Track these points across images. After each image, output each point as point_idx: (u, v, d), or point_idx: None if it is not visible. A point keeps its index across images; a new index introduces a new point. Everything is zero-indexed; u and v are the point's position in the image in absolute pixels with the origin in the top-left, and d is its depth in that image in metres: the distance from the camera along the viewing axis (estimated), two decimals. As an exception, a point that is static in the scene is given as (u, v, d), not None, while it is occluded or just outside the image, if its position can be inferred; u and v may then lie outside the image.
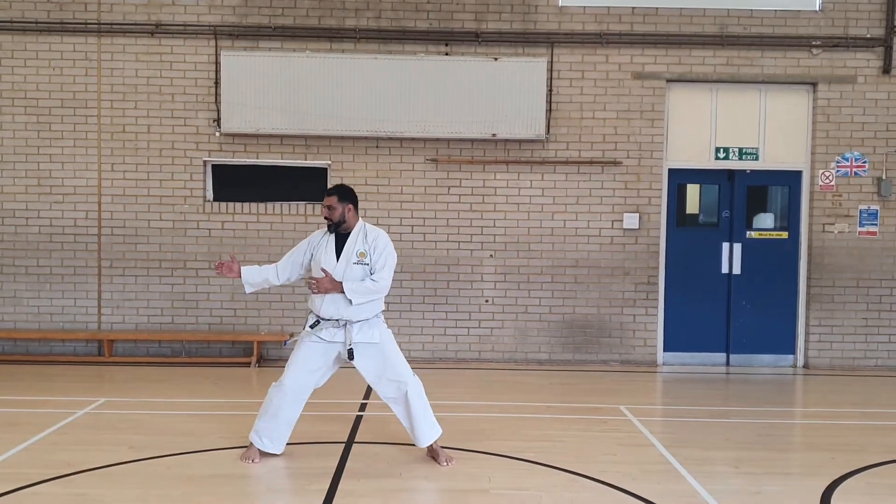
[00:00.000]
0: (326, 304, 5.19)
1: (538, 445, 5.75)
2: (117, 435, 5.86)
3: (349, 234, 5.34)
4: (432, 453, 5.40)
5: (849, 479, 5.12)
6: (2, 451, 5.40)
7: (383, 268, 5.25)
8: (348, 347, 5.20)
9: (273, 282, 5.43)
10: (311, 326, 5.26)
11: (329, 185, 8.82)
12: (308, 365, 5.29)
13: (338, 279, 5.15)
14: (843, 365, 9.06)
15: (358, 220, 5.40)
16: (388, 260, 5.28)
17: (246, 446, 5.40)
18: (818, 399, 7.92)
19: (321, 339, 5.26)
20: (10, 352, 8.86)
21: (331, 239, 5.36)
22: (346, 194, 5.34)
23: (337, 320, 5.21)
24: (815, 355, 9.07)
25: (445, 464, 5.29)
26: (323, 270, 5.16)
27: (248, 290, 5.48)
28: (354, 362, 5.25)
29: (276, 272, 5.42)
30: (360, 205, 8.91)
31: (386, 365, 5.30)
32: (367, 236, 5.32)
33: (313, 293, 5.20)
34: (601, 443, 5.85)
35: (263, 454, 5.31)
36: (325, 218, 5.34)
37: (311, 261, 5.38)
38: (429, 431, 5.33)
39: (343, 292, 5.12)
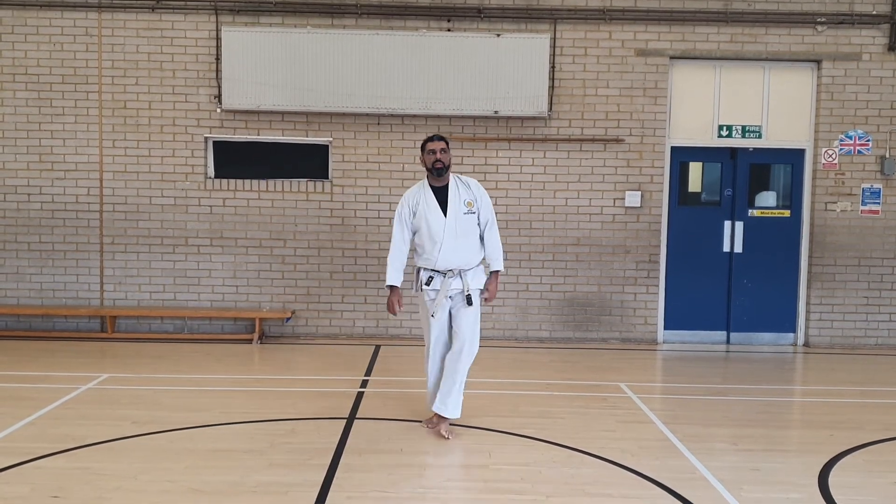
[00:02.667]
0: (443, 258, 5.31)
1: (538, 422, 5.78)
2: (120, 410, 5.90)
3: (446, 186, 5.40)
4: (434, 424, 5.47)
5: (847, 457, 5.15)
6: (6, 425, 5.44)
7: (492, 218, 5.44)
8: (467, 293, 5.34)
9: (406, 261, 5.54)
10: (427, 283, 5.40)
11: (331, 162, 8.85)
12: (442, 324, 5.45)
13: (449, 233, 5.28)
14: (844, 343, 9.08)
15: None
16: (491, 208, 5.47)
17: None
18: (818, 377, 7.94)
19: (436, 290, 5.38)
20: (13, 328, 8.90)
21: (428, 193, 5.41)
22: (447, 140, 5.46)
23: (452, 270, 5.33)
24: (816, 334, 9.09)
25: (447, 436, 5.34)
26: (469, 297, 5.33)
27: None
28: (454, 309, 5.40)
29: (402, 253, 5.49)
30: (361, 182, 8.99)
31: (470, 318, 5.41)
32: (470, 186, 5.44)
33: (488, 301, 5.46)
34: (601, 419, 5.89)
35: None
36: (437, 161, 5.32)
37: (413, 220, 5.42)
38: (455, 406, 5.39)
39: (489, 294, 5.43)
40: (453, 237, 5.29)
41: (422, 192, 5.43)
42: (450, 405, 5.38)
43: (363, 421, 5.75)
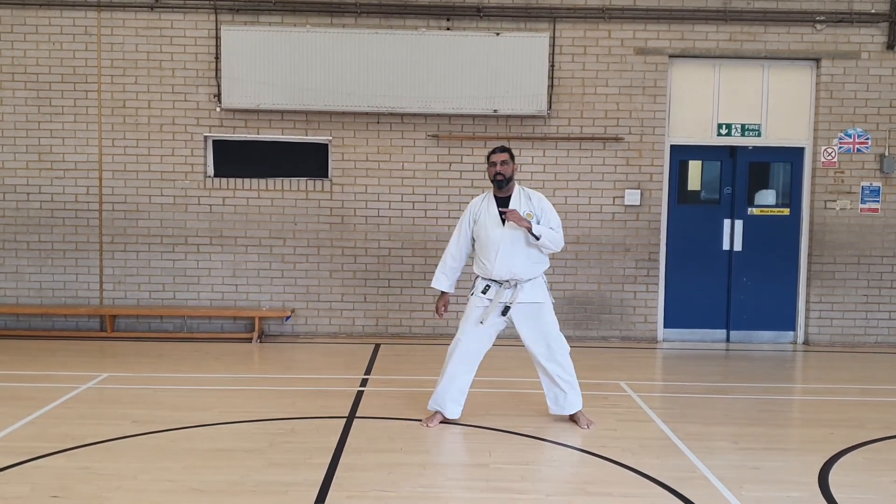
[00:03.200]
0: (499, 266, 5.38)
1: (538, 420, 5.78)
2: (120, 409, 5.90)
3: (508, 197, 5.49)
4: (573, 417, 5.65)
5: (847, 455, 5.15)
6: (6, 424, 5.44)
7: (556, 223, 5.50)
8: (508, 303, 5.41)
9: (459, 267, 5.66)
10: (483, 291, 5.47)
11: (330, 161, 8.85)
12: (482, 329, 5.51)
13: (505, 243, 5.37)
14: (844, 341, 9.08)
15: (515, 183, 5.57)
16: (555, 218, 5.52)
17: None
18: (818, 375, 7.95)
19: (491, 299, 5.46)
20: (12, 327, 8.90)
21: (492, 203, 5.51)
22: (511, 152, 5.56)
23: (508, 280, 5.40)
24: (816, 332, 9.09)
25: (586, 427, 5.55)
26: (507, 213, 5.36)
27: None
28: (515, 322, 5.47)
29: (455, 259, 5.62)
30: (361, 181, 8.98)
31: (541, 325, 5.52)
32: (532, 199, 5.52)
33: (508, 219, 5.35)
34: (601, 418, 5.88)
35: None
36: (497, 174, 5.45)
37: (474, 227, 5.54)
38: (577, 400, 5.63)
39: (529, 228, 5.32)
40: (510, 247, 5.37)
41: (485, 202, 5.56)
42: (568, 405, 5.62)
43: (363, 420, 5.75)
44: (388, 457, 4.95)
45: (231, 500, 4.20)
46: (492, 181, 5.53)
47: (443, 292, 5.68)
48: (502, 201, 5.49)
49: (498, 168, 5.45)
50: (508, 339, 8.95)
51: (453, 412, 5.58)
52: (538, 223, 5.42)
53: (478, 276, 5.58)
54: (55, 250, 8.90)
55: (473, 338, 5.54)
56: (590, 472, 4.74)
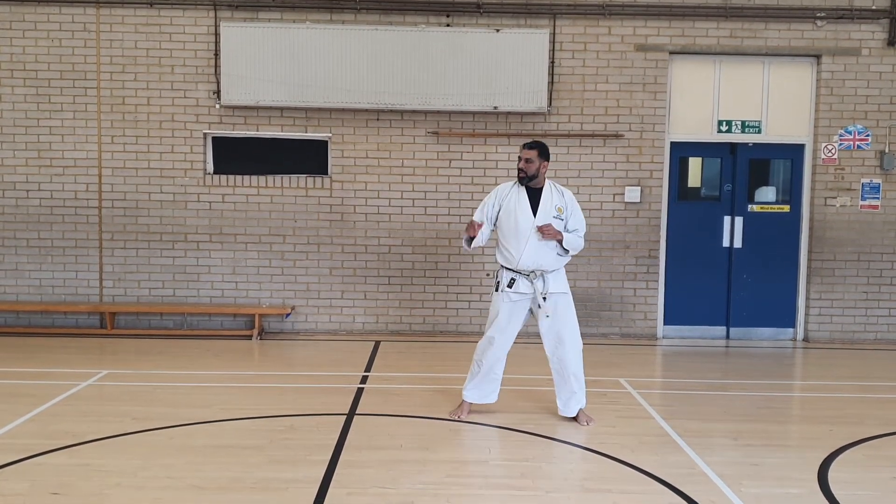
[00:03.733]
0: (526, 257, 5.38)
1: (538, 417, 5.78)
2: (120, 406, 5.90)
3: (540, 189, 5.47)
4: (581, 415, 5.66)
5: (847, 451, 5.15)
6: (6, 422, 5.44)
7: (582, 228, 5.55)
8: (543, 295, 5.43)
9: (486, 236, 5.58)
10: (509, 285, 5.46)
11: (330, 158, 8.85)
12: (512, 324, 5.58)
13: (536, 234, 5.35)
14: (843, 338, 9.08)
15: (545, 178, 5.54)
16: (580, 217, 5.55)
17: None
18: (817, 372, 7.95)
19: (519, 293, 5.47)
20: (12, 324, 8.89)
21: (522, 192, 5.48)
22: (545, 151, 5.50)
23: (533, 272, 5.41)
24: (815, 329, 9.09)
25: (586, 424, 5.57)
26: (541, 229, 5.34)
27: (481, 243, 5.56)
28: (541, 312, 5.50)
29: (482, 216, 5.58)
30: (360, 178, 8.98)
31: (562, 317, 5.56)
32: (563, 194, 5.53)
33: (543, 237, 5.34)
34: (600, 415, 5.88)
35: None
36: (520, 170, 5.43)
37: (499, 213, 5.51)
38: (574, 403, 5.61)
39: (561, 241, 5.38)
40: (539, 238, 5.36)
41: (515, 189, 5.52)
42: (573, 404, 5.62)
43: (363, 417, 5.75)
44: (388, 454, 4.95)
45: (231, 496, 4.21)
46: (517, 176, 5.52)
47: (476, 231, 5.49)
48: (534, 193, 5.47)
49: (520, 164, 5.45)
50: (508, 335, 8.96)
51: (494, 397, 5.75)
52: (566, 218, 5.46)
53: (501, 268, 5.57)
54: (55, 247, 8.89)
55: (508, 335, 5.61)
56: (589, 469, 4.75)
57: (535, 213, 5.41)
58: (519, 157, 5.48)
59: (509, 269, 5.50)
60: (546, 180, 5.53)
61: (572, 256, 5.62)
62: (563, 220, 5.46)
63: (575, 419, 5.64)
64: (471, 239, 5.50)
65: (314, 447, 5.02)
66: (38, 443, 5.00)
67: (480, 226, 5.44)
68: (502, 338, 5.58)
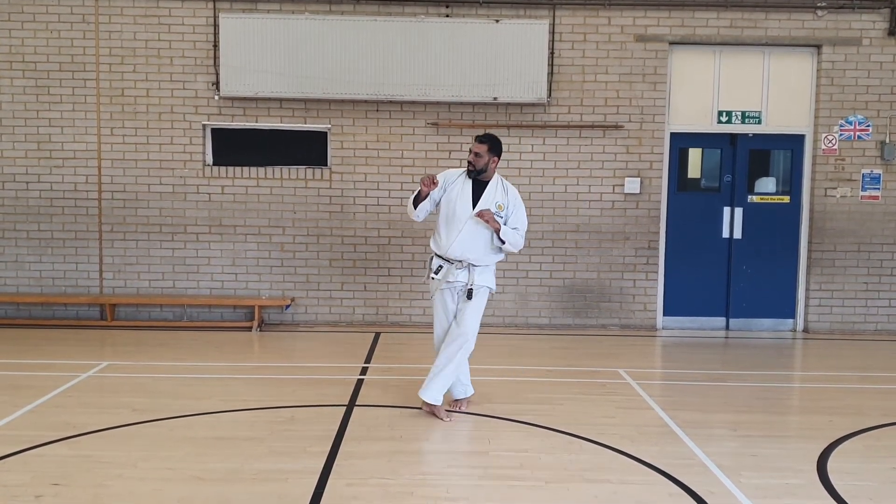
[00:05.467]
0: (456, 246, 5.33)
1: (537, 408, 5.79)
2: (120, 398, 5.91)
3: (487, 183, 5.41)
4: (433, 409, 5.52)
5: (846, 442, 5.16)
6: (7, 413, 5.45)
7: (522, 227, 5.46)
8: (469, 287, 5.39)
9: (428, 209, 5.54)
10: (436, 273, 5.44)
11: (329, 149, 8.84)
12: (447, 314, 5.54)
13: (469, 225, 5.30)
14: (843, 329, 9.09)
15: (495, 172, 5.47)
16: (522, 216, 5.48)
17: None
18: (817, 363, 7.96)
19: (448, 282, 5.44)
20: (12, 316, 8.90)
21: (468, 183, 5.43)
22: (496, 147, 5.43)
23: (461, 261, 5.37)
24: (815, 320, 9.10)
25: (447, 419, 5.45)
26: (480, 213, 5.27)
27: (420, 216, 5.55)
28: (461, 303, 5.45)
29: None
30: (360, 169, 8.97)
31: (471, 308, 5.46)
32: (508, 192, 5.44)
33: (482, 219, 5.27)
34: (600, 406, 5.90)
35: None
36: (469, 162, 5.39)
37: (442, 197, 5.46)
38: (435, 391, 5.45)
39: (498, 230, 5.29)
40: (472, 230, 5.32)
41: (462, 178, 5.47)
42: (430, 389, 5.45)
43: (363, 408, 5.76)
44: (387, 445, 4.96)
45: (231, 487, 4.22)
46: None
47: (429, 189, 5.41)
48: (479, 185, 5.41)
49: (470, 157, 5.39)
50: (507, 326, 8.99)
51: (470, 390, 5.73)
52: (506, 217, 5.36)
53: (433, 256, 5.52)
54: (55, 239, 8.89)
55: (439, 321, 5.59)
56: (588, 459, 4.76)
57: (474, 206, 5.34)
58: (470, 150, 5.40)
59: (439, 256, 5.46)
60: (496, 175, 5.47)
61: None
62: (501, 217, 5.35)
63: (433, 414, 5.49)
64: (418, 199, 5.43)
65: (314, 438, 5.03)
66: (39, 434, 5.00)
67: (436, 185, 5.35)
68: (436, 323, 5.59)
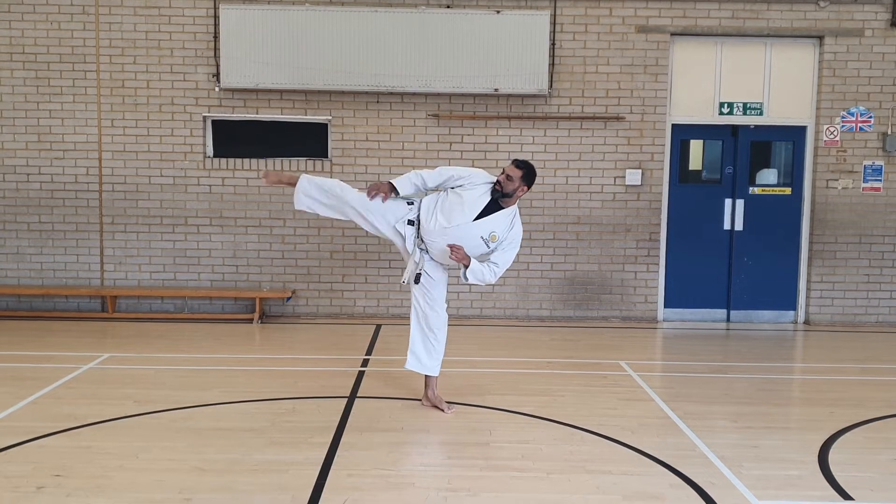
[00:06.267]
0: (432, 236, 5.22)
1: (539, 400, 5.79)
2: (121, 389, 5.92)
3: (501, 209, 5.19)
4: (433, 401, 5.55)
5: (847, 434, 5.17)
6: (8, 404, 5.46)
7: (502, 266, 5.23)
8: (419, 271, 5.34)
9: (423, 189, 5.39)
10: (409, 223, 5.35)
11: (330, 141, 8.82)
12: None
13: (456, 233, 5.13)
14: (844, 321, 9.08)
15: (516, 203, 5.28)
16: (510, 257, 5.26)
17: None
18: (818, 355, 7.95)
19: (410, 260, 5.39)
20: (13, 308, 8.91)
21: (486, 196, 5.18)
22: (530, 176, 5.20)
23: (426, 249, 5.32)
24: (816, 311, 9.09)
25: (448, 410, 5.45)
26: (455, 248, 5.10)
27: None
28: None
29: (426, 182, 5.33)
30: (361, 161, 8.95)
31: (435, 290, 5.46)
32: (513, 227, 5.23)
33: (449, 257, 5.14)
34: (601, 397, 5.90)
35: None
36: (499, 182, 5.14)
37: (454, 188, 5.26)
38: (413, 360, 5.56)
39: (467, 265, 5.11)
40: (455, 237, 5.14)
41: (486, 188, 5.21)
42: (410, 357, 5.60)
43: (364, 399, 5.77)
44: (388, 436, 4.96)
45: (232, 478, 4.22)
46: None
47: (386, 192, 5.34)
48: (493, 206, 5.17)
49: (501, 177, 5.15)
50: (508, 318, 8.99)
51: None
52: (494, 248, 5.18)
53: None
54: (56, 231, 8.89)
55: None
56: (589, 451, 4.76)
57: (476, 219, 5.15)
58: (503, 168, 5.19)
59: (415, 222, 5.33)
60: (515, 206, 5.26)
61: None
62: (489, 247, 5.18)
63: (436, 405, 5.54)
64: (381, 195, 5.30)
65: (315, 429, 5.03)
66: (41, 425, 5.01)
67: (387, 197, 5.28)
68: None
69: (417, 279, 5.35)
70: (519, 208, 5.35)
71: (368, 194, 5.36)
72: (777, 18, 8.79)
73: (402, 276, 5.63)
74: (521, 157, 8.74)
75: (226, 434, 4.94)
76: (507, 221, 5.21)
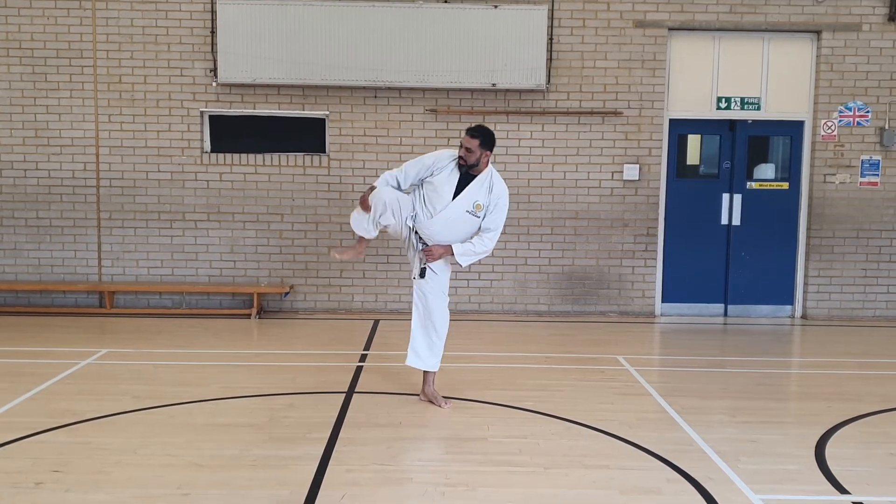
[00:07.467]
0: (424, 228, 5.22)
1: (536, 395, 5.80)
2: (119, 385, 5.92)
3: (475, 177, 5.19)
4: (430, 397, 5.54)
5: (844, 428, 5.18)
6: (6, 400, 5.46)
7: (493, 230, 5.24)
8: (423, 266, 5.32)
9: (403, 188, 5.35)
10: (421, 276, 5.36)
11: (328, 136, 8.81)
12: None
13: (442, 216, 5.14)
14: (842, 315, 9.10)
15: (489, 165, 5.25)
16: (500, 223, 5.26)
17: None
18: (815, 349, 7.97)
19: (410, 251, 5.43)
20: (11, 304, 8.90)
21: (455, 173, 5.19)
22: (488, 141, 5.15)
23: (425, 243, 5.30)
24: (814, 306, 9.11)
25: (445, 405, 5.46)
26: (426, 252, 5.21)
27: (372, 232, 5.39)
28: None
29: (398, 180, 5.29)
30: (358, 156, 8.94)
31: (436, 282, 5.42)
32: (493, 189, 5.19)
33: (425, 261, 5.25)
34: (599, 392, 5.91)
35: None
36: (460, 157, 5.14)
37: (426, 178, 5.23)
38: (413, 356, 5.55)
39: (452, 255, 5.19)
40: (444, 222, 5.17)
41: (452, 164, 5.21)
42: (410, 354, 5.60)
43: (362, 395, 5.77)
44: (387, 431, 4.97)
45: (230, 474, 4.22)
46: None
47: (362, 239, 5.48)
48: (466, 178, 5.16)
49: (461, 151, 5.13)
50: (506, 313, 8.99)
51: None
52: (483, 216, 5.18)
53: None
54: (53, 227, 8.88)
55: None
56: (587, 446, 4.77)
57: (454, 197, 5.14)
58: (461, 143, 5.15)
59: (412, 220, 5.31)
60: (488, 169, 5.21)
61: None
62: (478, 216, 5.18)
63: (431, 401, 5.55)
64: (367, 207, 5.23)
65: (313, 425, 5.04)
66: (39, 421, 5.01)
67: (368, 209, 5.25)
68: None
69: (422, 273, 5.35)
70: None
71: (362, 205, 5.33)
72: (775, 13, 8.78)
73: (400, 271, 5.61)
74: (518, 151, 8.81)
75: (224, 429, 4.94)
76: (485, 187, 5.19)
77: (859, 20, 8.81)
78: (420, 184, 5.31)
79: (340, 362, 6.72)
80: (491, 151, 5.20)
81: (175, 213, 8.89)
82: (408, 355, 5.59)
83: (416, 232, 5.33)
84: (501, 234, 5.35)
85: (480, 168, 5.20)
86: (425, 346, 5.54)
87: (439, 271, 5.43)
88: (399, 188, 5.31)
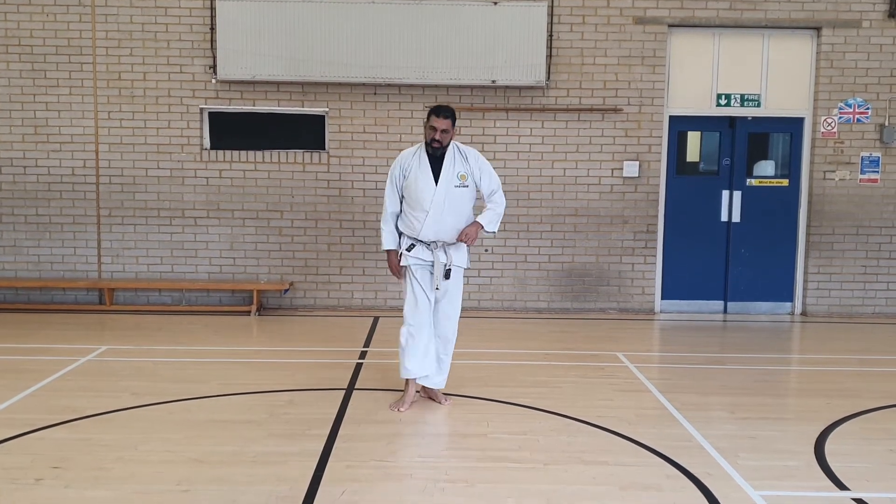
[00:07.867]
0: (426, 229, 5.15)
1: (536, 391, 5.80)
2: (119, 382, 5.92)
3: (442, 156, 5.15)
4: (431, 393, 5.54)
5: (843, 424, 5.18)
6: (6, 397, 5.46)
7: (497, 189, 5.28)
8: (447, 268, 5.20)
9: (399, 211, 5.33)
10: (408, 249, 5.23)
11: (327, 133, 8.81)
12: (425, 288, 5.25)
13: (437, 204, 5.10)
14: (841, 312, 9.10)
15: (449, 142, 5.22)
16: (496, 179, 5.30)
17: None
18: (815, 346, 7.97)
19: (422, 260, 5.23)
20: (11, 300, 8.90)
21: (423, 159, 5.17)
22: (455, 116, 5.18)
23: (434, 242, 5.19)
24: (814, 303, 9.11)
25: (444, 402, 5.45)
26: (465, 236, 5.14)
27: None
28: (436, 282, 5.22)
29: (396, 210, 5.29)
30: (358, 153, 8.95)
31: (453, 293, 5.33)
32: (468, 157, 5.21)
33: (468, 244, 5.22)
34: (598, 389, 5.91)
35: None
36: (434, 140, 5.08)
37: (403, 182, 5.21)
38: (441, 379, 5.46)
39: (483, 228, 5.18)
40: (440, 208, 5.11)
41: (417, 156, 5.21)
42: (445, 375, 5.49)
43: (362, 391, 5.77)
44: (386, 427, 4.97)
45: (230, 470, 4.23)
46: (427, 144, 5.15)
47: (391, 251, 5.34)
48: (435, 160, 5.14)
49: (437, 135, 5.07)
50: (506, 310, 8.99)
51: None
52: (473, 183, 5.18)
53: (402, 234, 5.28)
54: (53, 224, 8.88)
55: (422, 298, 5.30)
56: (587, 442, 4.77)
57: (437, 181, 5.12)
58: (433, 127, 5.06)
59: (410, 237, 5.24)
60: (451, 144, 5.18)
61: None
62: (467, 186, 5.16)
63: (432, 398, 5.52)
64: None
65: (313, 421, 5.04)
66: (39, 417, 5.02)
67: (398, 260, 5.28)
68: (415, 297, 5.26)
69: (448, 275, 5.21)
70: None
71: (399, 276, 5.37)
72: (775, 9, 8.77)
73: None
74: (518, 148, 8.81)
75: (224, 426, 4.94)
76: (459, 157, 5.20)
77: (859, 16, 8.80)
78: (401, 194, 5.27)
79: (340, 359, 6.72)
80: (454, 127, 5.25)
81: (175, 209, 8.89)
82: (413, 373, 5.36)
83: (424, 241, 5.21)
84: (501, 231, 5.34)
85: (445, 146, 5.18)
86: (436, 364, 5.39)
87: (462, 261, 5.31)
88: (397, 216, 5.31)
